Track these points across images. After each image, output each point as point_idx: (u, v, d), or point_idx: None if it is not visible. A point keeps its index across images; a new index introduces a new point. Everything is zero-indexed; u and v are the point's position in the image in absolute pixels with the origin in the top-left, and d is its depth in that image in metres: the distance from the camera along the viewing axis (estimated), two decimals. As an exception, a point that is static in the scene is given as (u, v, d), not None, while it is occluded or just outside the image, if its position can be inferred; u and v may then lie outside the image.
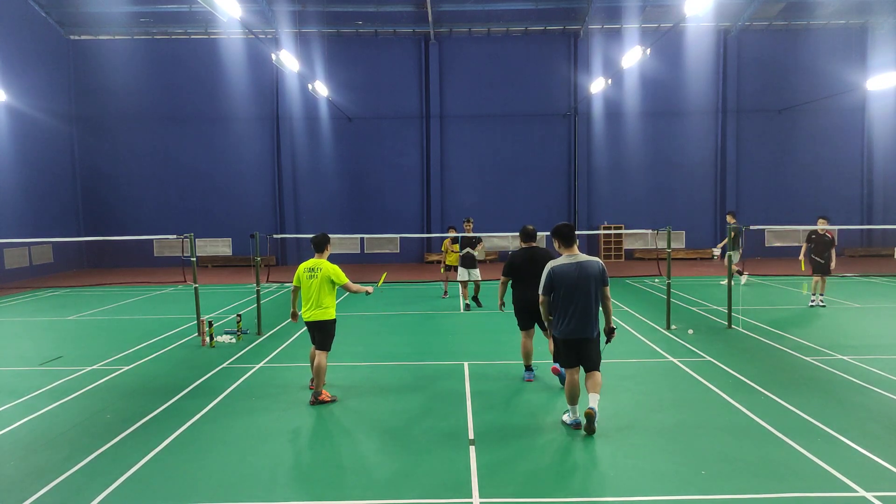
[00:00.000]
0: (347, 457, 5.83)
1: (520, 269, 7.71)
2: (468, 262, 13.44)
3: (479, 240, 13.55)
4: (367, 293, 7.67)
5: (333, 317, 7.38)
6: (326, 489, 5.19)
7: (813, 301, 13.22)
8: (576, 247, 6.22)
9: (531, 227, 7.96)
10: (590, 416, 5.98)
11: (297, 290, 7.58)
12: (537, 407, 7.07)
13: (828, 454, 5.53)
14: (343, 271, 7.40)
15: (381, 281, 8.46)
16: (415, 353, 9.75)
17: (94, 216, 24.66)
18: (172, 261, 23.77)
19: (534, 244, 7.90)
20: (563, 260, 6.13)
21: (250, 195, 24.85)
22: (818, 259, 13.01)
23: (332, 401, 7.25)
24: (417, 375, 8.46)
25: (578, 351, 6.16)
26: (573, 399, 6.24)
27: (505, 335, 10.74)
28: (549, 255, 7.31)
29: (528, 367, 8.08)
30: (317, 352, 7.36)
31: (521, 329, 7.92)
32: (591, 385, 6.17)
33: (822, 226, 13.00)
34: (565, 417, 6.38)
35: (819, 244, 13.00)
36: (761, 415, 6.54)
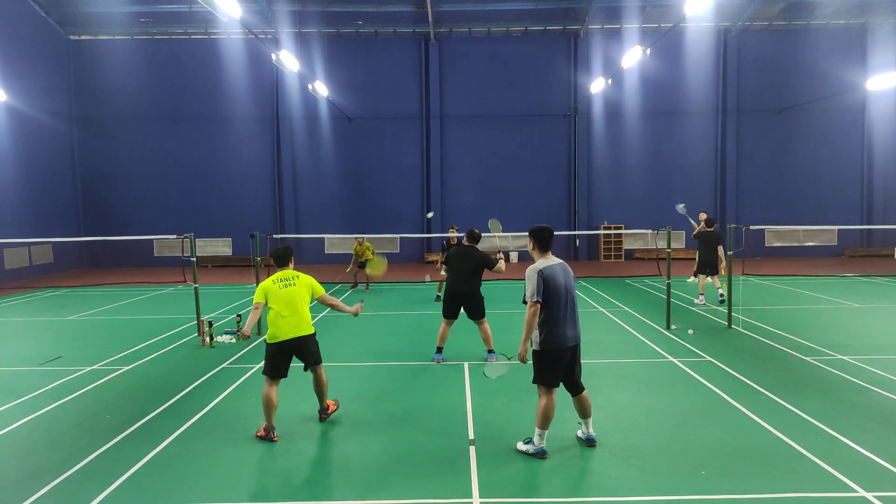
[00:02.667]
0: (347, 457, 5.82)
1: (454, 261, 8.93)
2: None
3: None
4: (355, 314, 6.77)
5: (313, 329, 6.51)
6: (326, 489, 5.19)
7: (700, 300, 13.74)
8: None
9: (478, 231, 9.20)
10: (593, 446, 5.82)
11: (261, 307, 6.33)
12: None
13: (828, 454, 5.53)
14: None
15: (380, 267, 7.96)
16: (415, 353, 9.74)
17: (94, 216, 24.66)
18: (172, 261, 23.76)
19: (475, 246, 8.99)
20: (545, 262, 5.54)
21: (250, 195, 24.85)
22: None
23: (337, 406, 6.83)
24: (417, 375, 8.47)
25: (567, 363, 5.61)
26: (547, 422, 5.56)
27: (505, 335, 10.74)
28: (486, 256, 8.75)
29: (440, 350, 9.12)
30: (316, 367, 6.49)
31: (445, 318, 8.97)
32: (586, 409, 5.80)
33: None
34: (523, 447, 5.70)
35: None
36: (761, 415, 6.54)
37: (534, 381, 5.65)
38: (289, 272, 6.47)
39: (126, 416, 6.91)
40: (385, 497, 4.96)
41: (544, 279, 5.43)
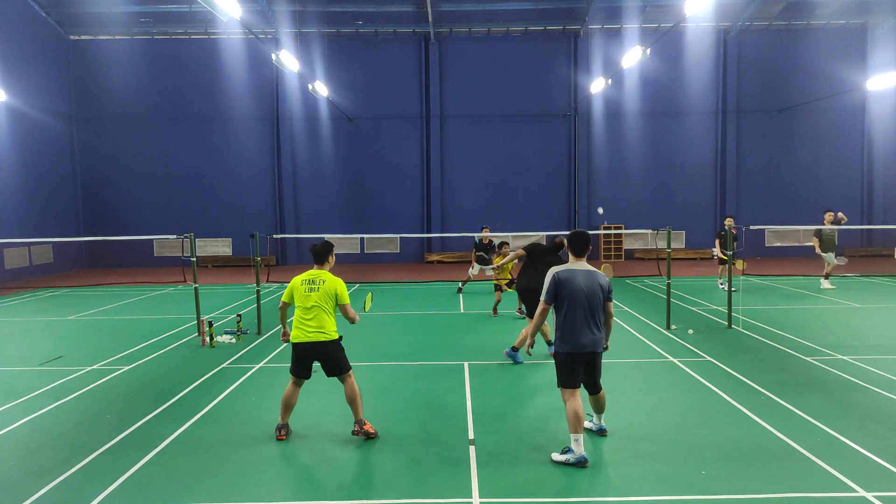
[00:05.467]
0: (347, 456, 5.83)
1: (536, 262, 8.91)
2: (482, 261, 15.52)
3: (496, 247, 15.22)
4: (354, 321, 6.40)
5: (337, 336, 6.19)
6: (326, 489, 5.20)
7: (722, 285, 15.35)
8: (585, 258, 5.73)
9: (558, 240, 9.26)
10: (604, 435, 6.08)
11: (286, 307, 6.41)
12: (538, 407, 7.08)
13: (828, 454, 5.53)
14: None
15: (368, 304, 7.22)
16: (415, 353, 9.74)
17: (94, 216, 24.66)
18: (172, 261, 23.76)
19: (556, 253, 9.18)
20: (569, 266, 5.60)
21: (250, 195, 24.85)
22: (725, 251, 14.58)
23: (375, 436, 6.18)
24: (417, 375, 8.47)
25: (586, 367, 5.64)
26: (578, 425, 5.39)
27: (505, 335, 10.74)
28: (560, 259, 8.67)
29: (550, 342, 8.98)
30: (341, 377, 6.21)
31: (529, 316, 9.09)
32: (601, 406, 6.03)
33: (728, 223, 14.92)
34: (560, 457, 5.47)
35: (725, 240, 14.67)
36: (761, 415, 6.54)
37: (558, 385, 5.64)
38: (318, 273, 6.24)
39: (126, 416, 6.91)
40: (385, 497, 4.96)
41: (557, 282, 5.52)
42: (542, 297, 5.61)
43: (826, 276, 15.58)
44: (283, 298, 6.33)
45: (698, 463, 5.44)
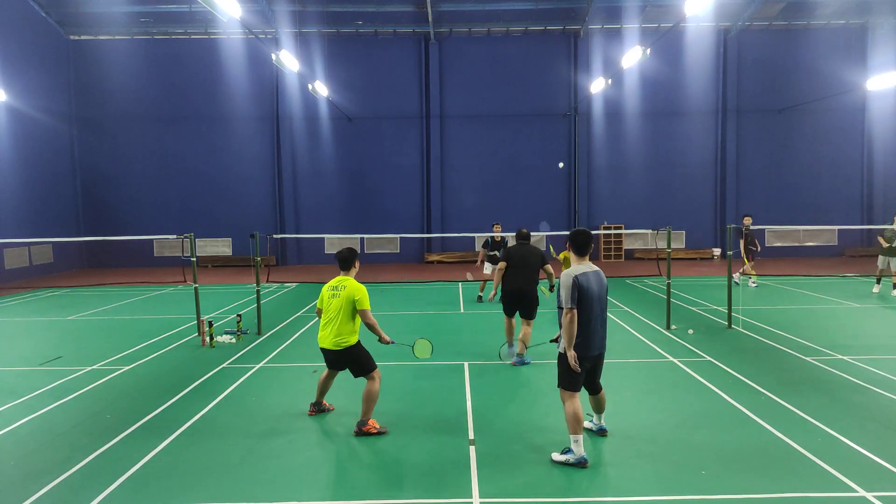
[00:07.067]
0: (347, 457, 5.83)
1: (517, 259, 8.75)
2: (493, 260, 14.99)
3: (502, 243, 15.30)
4: (386, 342, 6.60)
5: (355, 341, 6.36)
6: (326, 489, 5.20)
7: (754, 284, 16.11)
8: (588, 257, 5.63)
9: (525, 230, 9.19)
10: (605, 435, 6.07)
11: (321, 312, 6.46)
12: (537, 407, 7.08)
13: (828, 454, 5.53)
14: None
15: (420, 352, 7.07)
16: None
17: (94, 216, 24.66)
18: (172, 261, 23.76)
19: (526, 242, 9.04)
20: (582, 269, 5.48)
21: (250, 195, 24.85)
22: (751, 248, 15.76)
23: (382, 432, 6.28)
24: (417, 375, 8.46)
25: (592, 368, 5.68)
26: (578, 426, 5.38)
27: (504, 335, 10.73)
28: (543, 254, 8.88)
29: (512, 343, 9.01)
30: (364, 377, 6.43)
31: (509, 316, 8.96)
32: (601, 406, 6.03)
33: (747, 222, 15.78)
34: (560, 457, 5.49)
35: (750, 239, 15.75)
36: (761, 415, 6.55)
37: (558, 386, 5.60)
38: (342, 280, 6.35)
39: (126, 416, 6.91)
40: (385, 497, 4.96)
41: (580, 287, 5.38)
42: (568, 304, 5.33)
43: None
44: (317, 304, 6.57)
45: (698, 463, 5.44)
